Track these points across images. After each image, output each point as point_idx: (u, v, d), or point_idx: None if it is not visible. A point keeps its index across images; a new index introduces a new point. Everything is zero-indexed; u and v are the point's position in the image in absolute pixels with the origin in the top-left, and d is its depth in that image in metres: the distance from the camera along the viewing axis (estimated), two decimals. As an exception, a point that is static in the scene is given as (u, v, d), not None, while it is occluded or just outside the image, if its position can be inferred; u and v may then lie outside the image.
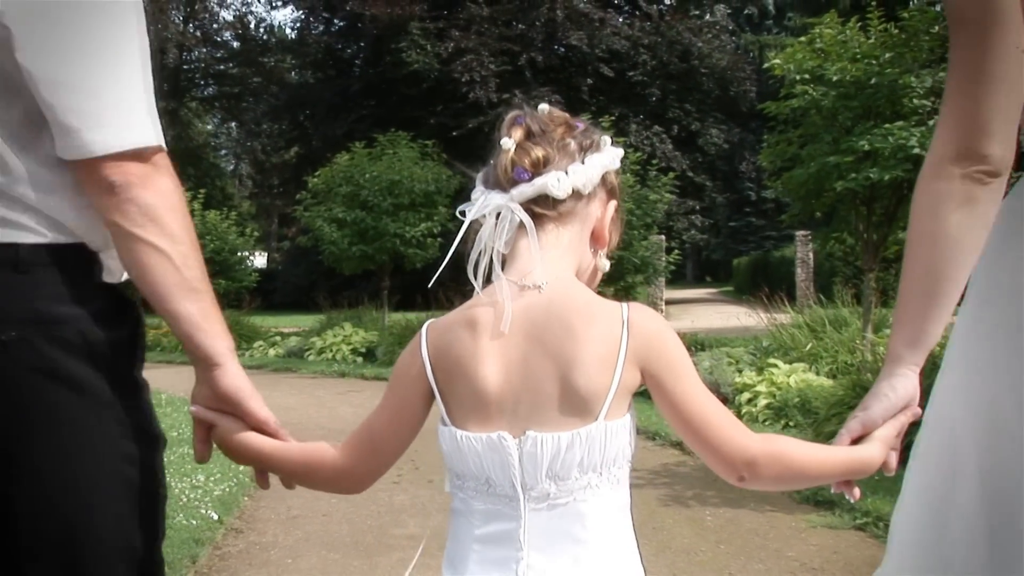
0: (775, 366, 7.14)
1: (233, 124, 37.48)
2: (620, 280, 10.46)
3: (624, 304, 1.21)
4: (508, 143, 1.24)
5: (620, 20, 23.03)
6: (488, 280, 1.25)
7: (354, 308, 13.90)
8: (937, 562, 1.28)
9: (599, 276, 1.34)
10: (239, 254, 16.09)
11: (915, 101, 6.37)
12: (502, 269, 1.23)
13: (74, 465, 1.31)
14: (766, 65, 7.88)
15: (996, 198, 1.25)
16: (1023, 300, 1.24)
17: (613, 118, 12.18)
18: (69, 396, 1.31)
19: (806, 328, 8.35)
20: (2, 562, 1.32)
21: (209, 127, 39.23)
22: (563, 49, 22.14)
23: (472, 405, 1.20)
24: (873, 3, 6.85)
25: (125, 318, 1.40)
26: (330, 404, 8.46)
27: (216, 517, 4.42)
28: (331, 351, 12.38)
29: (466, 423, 1.21)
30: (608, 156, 1.29)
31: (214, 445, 1.42)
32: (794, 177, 7.06)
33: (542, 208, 1.24)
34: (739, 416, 5.23)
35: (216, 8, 33.74)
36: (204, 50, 31.77)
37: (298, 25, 27.12)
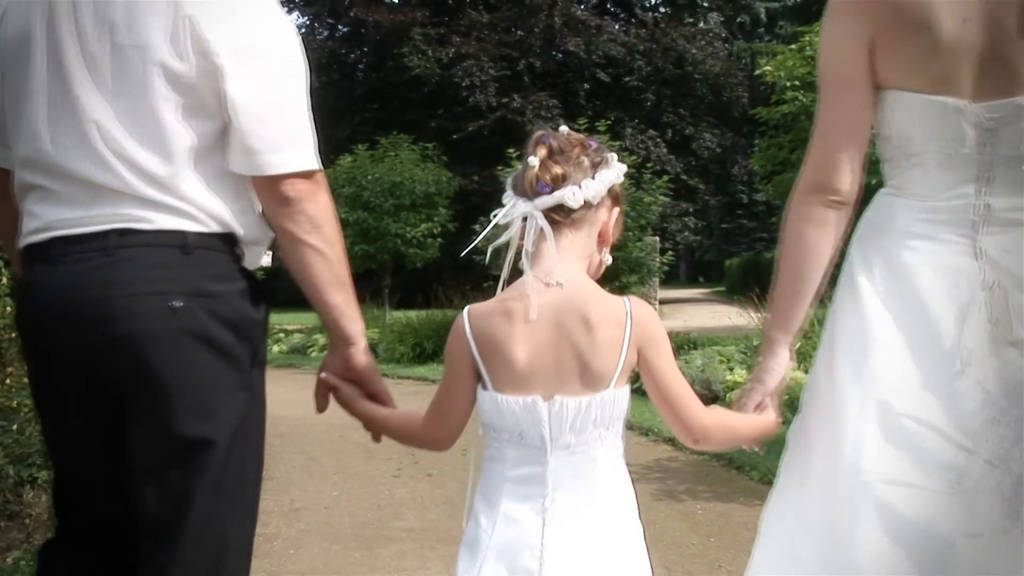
0: (765, 364, 7.11)
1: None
2: (615, 280, 10.45)
3: (625, 298, 1.51)
4: (534, 161, 1.51)
5: (616, 27, 23.03)
6: (512, 271, 1.55)
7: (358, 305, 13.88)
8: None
9: (603, 268, 1.61)
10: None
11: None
12: (530, 268, 1.51)
13: (212, 420, 1.56)
14: (758, 72, 7.87)
15: (844, 220, 1.61)
16: (859, 288, 1.59)
17: (609, 122, 12.15)
18: (216, 360, 1.57)
19: (795, 328, 8.33)
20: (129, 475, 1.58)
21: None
22: (561, 55, 22.14)
23: (508, 375, 1.49)
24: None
25: (262, 300, 1.67)
26: (332, 399, 8.45)
27: (220, 509, 4.42)
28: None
29: (504, 389, 1.49)
30: (615, 171, 1.56)
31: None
32: (785, 181, 7.06)
33: (559, 215, 1.51)
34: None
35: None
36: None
37: (303, 31, 27.06)
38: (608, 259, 1.61)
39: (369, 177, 13.44)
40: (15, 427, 4.04)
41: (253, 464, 1.67)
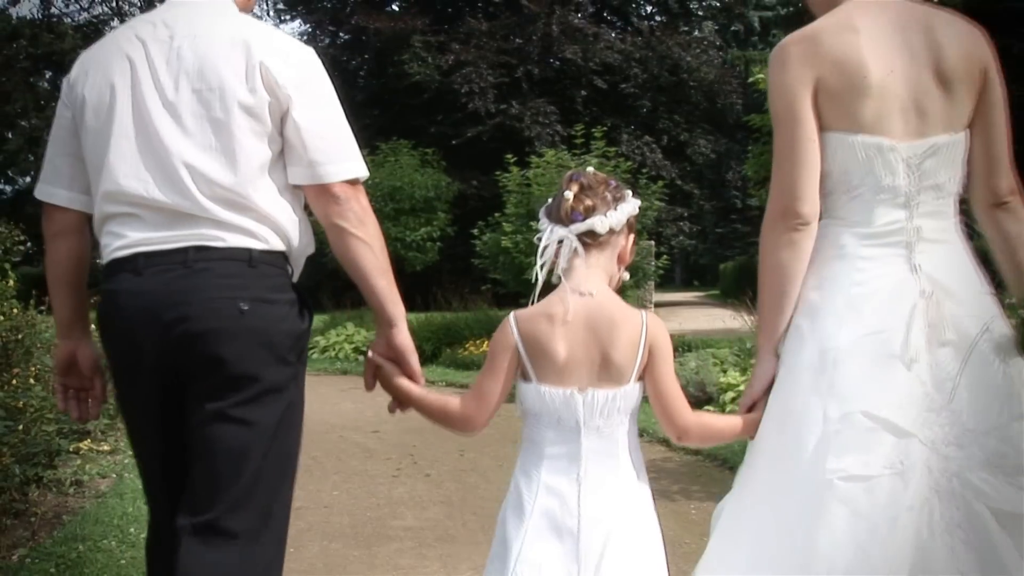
0: (758, 367, 7.11)
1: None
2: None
3: (642, 311, 1.84)
4: (569, 195, 1.83)
5: (613, 35, 23.04)
6: (545, 285, 1.84)
7: (356, 308, 13.83)
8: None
9: (620, 283, 1.92)
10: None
11: (893, 115, 6.36)
12: (566, 281, 1.82)
13: (265, 403, 1.88)
14: (751, 79, 7.87)
15: (811, 237, 1.84)
16: (815, 308, 1.83)
17: (605, 128, 12.15)
18: (269, 355, 1.88)
19: (788, 331, 8.32)
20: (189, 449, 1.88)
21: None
22: (558, 62, 22.14)
23: (549, 370, 1.79)
24: (854, 21, 6.84)
25: (307, 310, 1.99)
26: (333, 400, 8.45)
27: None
28: (334, 350, 12.36)
29: (546, 381, 1.79)
30: (632, 205, 1.90)
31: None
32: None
33: (589, 239, 1.83)
34: (723, 413, 5.22)
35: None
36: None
37: (305, 38, 27.08)
38: (626, 276, 1.94)
39: (369, 182, 13.36)
40: (21, 427, 4.04)
41: (294, 441, 1.98)
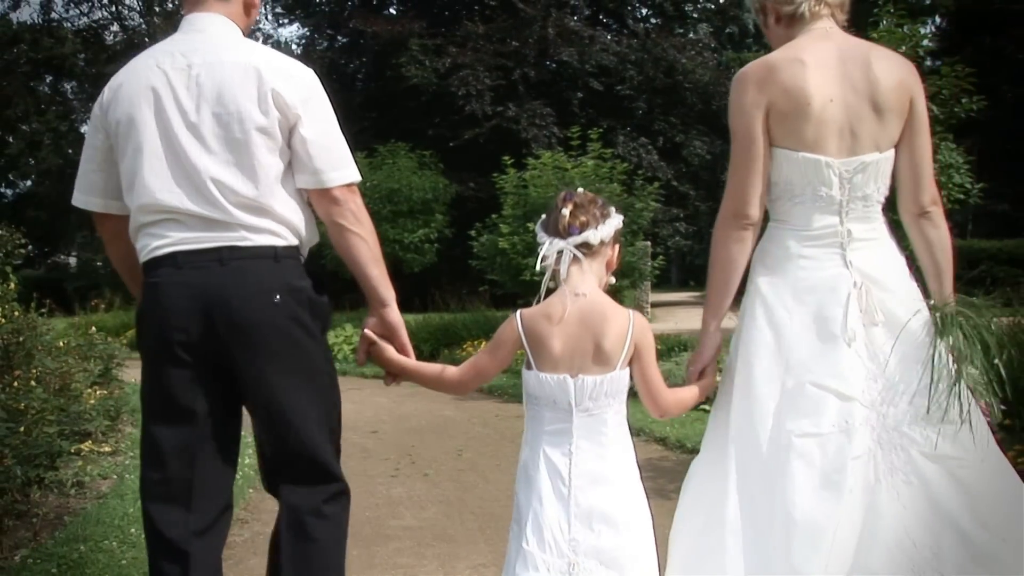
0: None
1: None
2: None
3: (630, 311, 2.16)
4: (566, 212, 2.15)
5: (608, 37, 23.01)
6: (548, 289, 2.18)
7: (355, 310, 13.84)
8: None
9: (607, 286, 2.23)
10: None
11: (885, 116, 6.37)
12: (564, 285, 2.14)
13: (304, 373, 2.26)
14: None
15: (755, 235, 2.25)
16: (767, 299, 2.23)
17: (602, 130, 12.13)
18: (304, 334, 2.25)
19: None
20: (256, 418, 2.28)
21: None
22: (555, 64, 22.12)
23: (547, 359, 2.12)
24: (845, 23, 6.86)
25: (324, 288, 2.31)
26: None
27: (223, 508, 4.41)
28: (333, 350, 12.31)
29: (543, 369, 2.13)
30: (616, 219, 2.21)
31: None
32: (772, 187, 7.06)
33: (583, 249, 2.16)
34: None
35: (225, 24, 33.60)
36: (214, 64, 31.59)
37: (303, 41, 27.03)
38: (612, 279, 2.26)
39: (367, 184, 13.44)
40: (22, 428, 4.03)
41: (333, 394, 2.35)
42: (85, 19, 30.42)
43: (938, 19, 26.36)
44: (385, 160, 15.21)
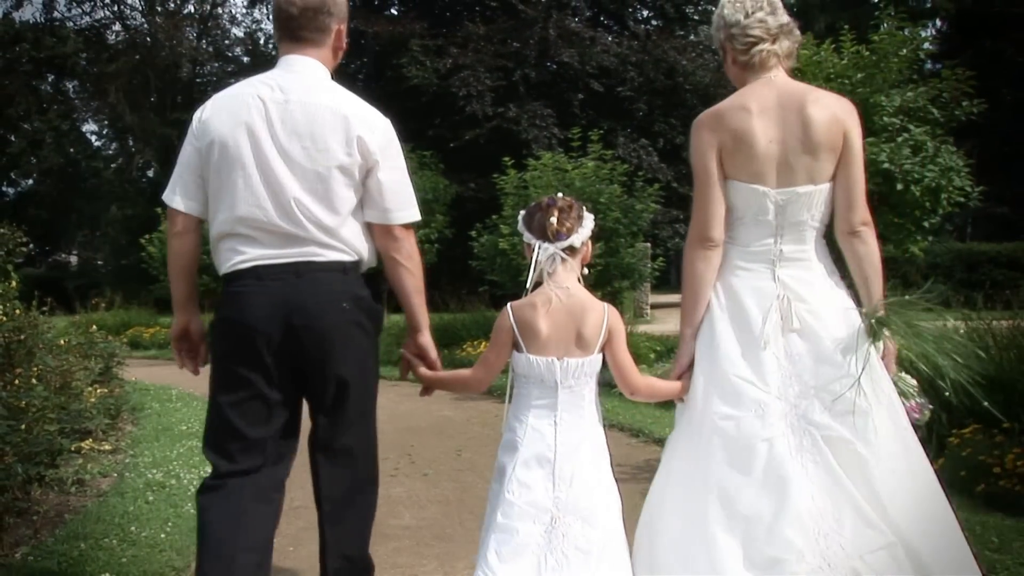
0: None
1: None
2: (608, 285, 10.43)
3: (604, 303, 2.55)
4: (553, 220, 2.51)
5: (609, 39, 23.02)
6: (535, 285, 2.53)
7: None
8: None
9: (582, 279, 2.58)
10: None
11: (885, 119, 6.36)
12: (550, 280, 2.52)
13: (363, 366, 2.72)
14: (746, 83, 7.86)
15: (719, 254, 2.63)
16: (710, 303, 2.64)
17: (602, 131, 12.11)
18: (364, 335, 2.69)
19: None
20: (318, 408, 2.71)
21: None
22: (555, 66, 22.13)
23: (536, 344, 2.49)
24: (846, 27, 6.86)
25: (380, 297, 2.68)
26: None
27: (223, 507, 4.40)
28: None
29: (532, 352, 2.49)
30: (590, 220, 2.59)
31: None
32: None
33: (567, 251, 2.53)
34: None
35: (228, 25, 33.80)
36: (216, 64, 31.64)
37: (305, 41, 27.02)
38: (585, 271, 2.60)
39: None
40: (23, 426, 4.03)
41: (375, 391, 2.81)
42: (87, 18, 30.49)
43: (939, 22, 26.40)
44: (386, 160, 15.14)
